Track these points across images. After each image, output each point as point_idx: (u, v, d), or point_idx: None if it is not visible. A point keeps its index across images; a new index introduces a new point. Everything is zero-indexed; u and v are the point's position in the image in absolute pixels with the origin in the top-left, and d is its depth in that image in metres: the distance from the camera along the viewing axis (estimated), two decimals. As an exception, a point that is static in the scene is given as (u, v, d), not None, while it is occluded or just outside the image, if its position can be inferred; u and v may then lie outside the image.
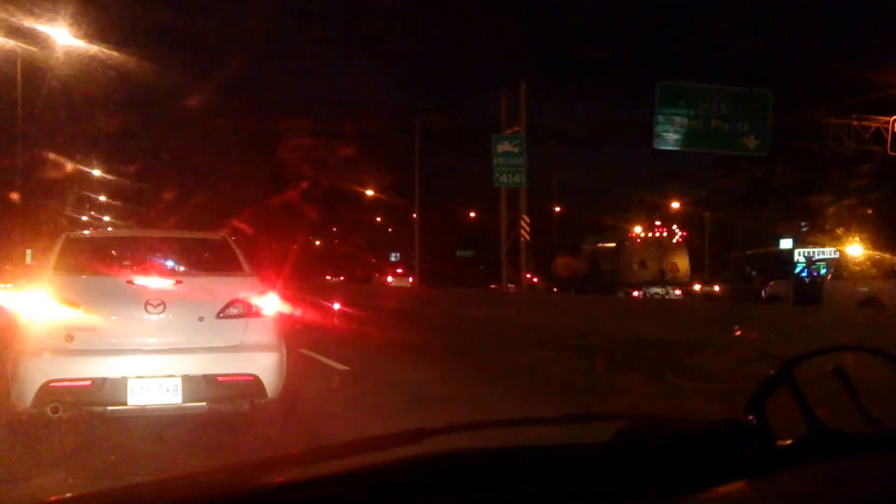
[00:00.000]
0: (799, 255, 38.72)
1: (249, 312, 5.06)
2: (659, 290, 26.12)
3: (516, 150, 21.46)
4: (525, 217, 21.93)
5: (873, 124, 21.16)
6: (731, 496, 0.97)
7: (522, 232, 21.93)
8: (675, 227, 29.49)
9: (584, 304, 18.47)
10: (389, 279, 41.87)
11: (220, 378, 4.81)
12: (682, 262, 28.11)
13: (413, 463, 1.04)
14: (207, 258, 5.92)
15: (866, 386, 1.47)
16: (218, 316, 4.98)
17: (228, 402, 4.91)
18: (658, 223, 29.76)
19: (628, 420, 1.26)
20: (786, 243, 39.23)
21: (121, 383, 4.62)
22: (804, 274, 22.57)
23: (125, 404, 4.62)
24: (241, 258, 5.59)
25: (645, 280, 26.70)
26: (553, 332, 12.73)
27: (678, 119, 19.74)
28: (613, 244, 28.81)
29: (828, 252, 34.99)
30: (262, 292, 5.22)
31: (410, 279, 38.69)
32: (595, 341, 11.35)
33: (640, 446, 1.20)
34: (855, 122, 21.36)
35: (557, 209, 32.38)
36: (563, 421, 1.31)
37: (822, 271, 19.34)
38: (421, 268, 30.68)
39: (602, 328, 12.62)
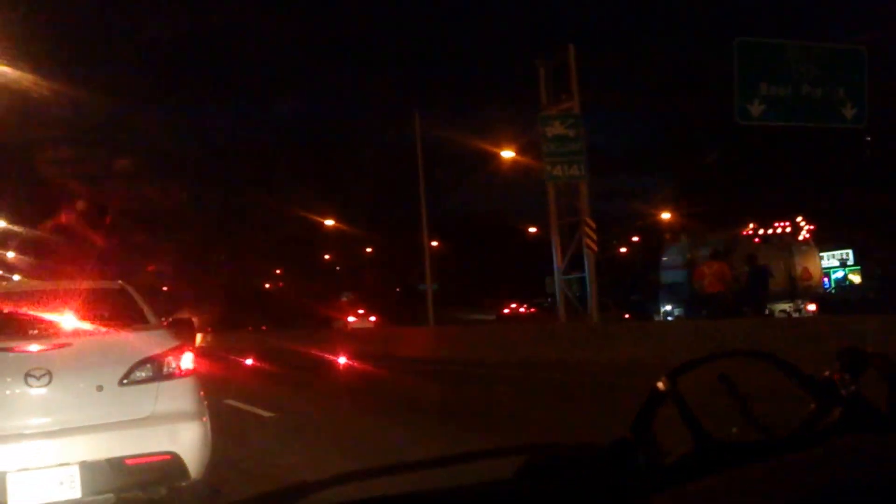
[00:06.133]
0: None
1: (161, 375, 5.15)
2: (787, 307, 24.63)
3: (571, 133, 20.86)
4: (589, 222, 21.09)
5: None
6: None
7: (588, 241, 21.01)
8: (799, 219, 27.83)
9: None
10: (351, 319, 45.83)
11: (129, 461, 4.83)
12: (815, 267, 27.00)
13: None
14: (104, 311, 5.95)
15: (760, 392, 1.69)
16: (121, 382, 5.04)
17: (140, 490, 4.85)
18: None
19: (530, 452, 1.50)
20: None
21: None
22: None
23: None
24: (146, 308, 5.78)
25: (773, 293, 24.24)
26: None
27: (763, 85, 19.36)
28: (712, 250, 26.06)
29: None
30: (174, 348, 5.32)
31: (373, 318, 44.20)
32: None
33: (540, 479, 1.45)
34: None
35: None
36: (463, 459, 1.55)
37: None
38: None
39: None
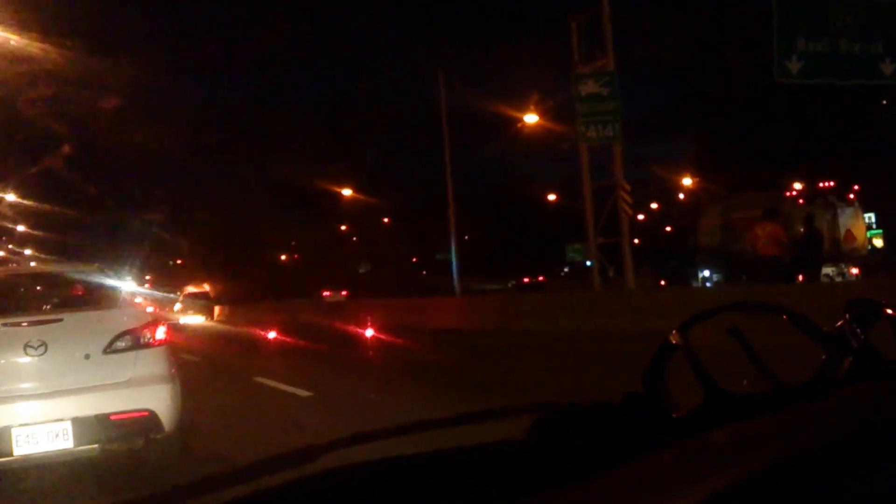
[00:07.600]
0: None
1: (138, 344, 6.24)
2: (830, 271, 23.97)
3: (605, 91, 20.73)
4: (624, 185, 20.87)
5: None
6: (628, 475, 1.26)
7: (623, 205, 20.78)
8: (844, 179, 27.67)
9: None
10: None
11: (113, 416, 5.89)
12: (859, 230, 26.61)
13: (305, 483, 1.20)
14: (86, 291, 7.11)
15: (771, 346, 1.69)
16: (105, 351, 6.11)
17: (122, 442, 5.91)
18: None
19: (541, 410, 1.54)
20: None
21: (4, 433, 5.58)
22: None
23: (10, 455, 5.59)
24: (122, 288, 6.88)
25: None
26: None
27: (801, 41, 18.92)
28: (755, 212, 26.22)
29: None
30: (149, 322, 6.46)
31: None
32: None
33: (551, 436, 1.49)
34: None
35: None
36: (473, 419, 1.59)
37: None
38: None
39: None
